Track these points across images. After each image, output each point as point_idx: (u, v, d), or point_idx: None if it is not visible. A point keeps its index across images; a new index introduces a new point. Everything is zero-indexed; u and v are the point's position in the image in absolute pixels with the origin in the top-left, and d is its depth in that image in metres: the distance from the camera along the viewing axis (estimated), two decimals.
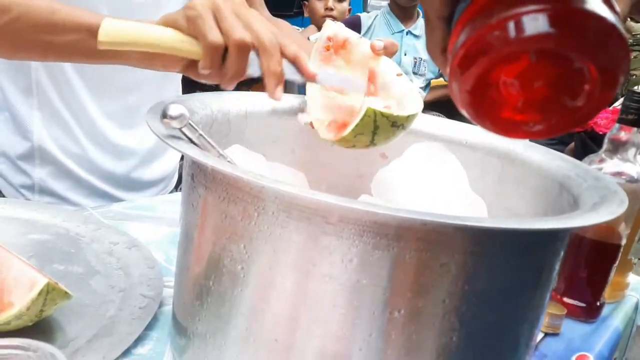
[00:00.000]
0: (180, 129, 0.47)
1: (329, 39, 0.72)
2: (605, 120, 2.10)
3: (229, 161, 0.54)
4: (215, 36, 0.58)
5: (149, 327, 0.62)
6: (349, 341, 0.45)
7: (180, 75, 1.10)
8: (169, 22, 0.60)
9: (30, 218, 0.81)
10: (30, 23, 0.68)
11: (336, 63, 0.73)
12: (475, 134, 0.77)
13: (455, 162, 0.71)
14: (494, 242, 0.44)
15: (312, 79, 0.64)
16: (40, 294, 0.53)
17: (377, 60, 0.71)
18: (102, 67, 0.93)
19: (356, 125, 0.60)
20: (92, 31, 0.63)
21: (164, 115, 0.46)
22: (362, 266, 0.43)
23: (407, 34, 2.69)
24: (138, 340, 0.60)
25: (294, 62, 0.63)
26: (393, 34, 2.65)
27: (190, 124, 0.47)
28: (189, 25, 0.59)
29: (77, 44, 0.67)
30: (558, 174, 0.63)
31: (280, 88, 0.62)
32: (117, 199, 1.04)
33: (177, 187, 1.20)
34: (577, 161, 0.66)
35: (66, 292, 0.56)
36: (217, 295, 0.50)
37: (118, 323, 0.61)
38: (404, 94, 0.70)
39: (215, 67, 0.61)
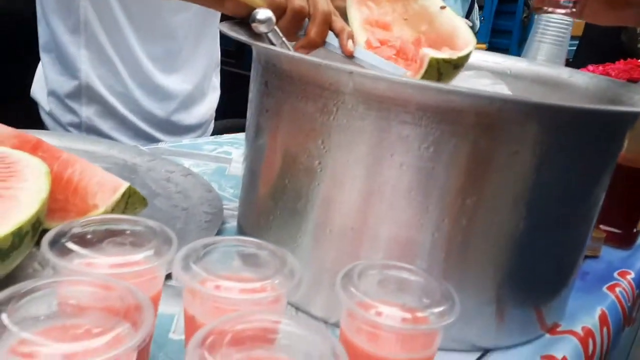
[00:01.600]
0: (266, 34, 0.50)
1: None
2: None
3: None
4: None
5: None
6: (423, 227, 0.48)
7: (217, 24, 1.12)
8: None
9: (87, 149, 0.85)
10: None
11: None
12: (518, 63, 0.80)
13: (504, 88, 0.73)
14: (566, 128, 0.46)
15: (349, 55, 0.65)
16: (122, 196, 0.56)
17: None
18: (147, 8, 0.95)
19: (422, 77, 0.62)
20: None
21: (253, 20, 0.49)
22: (438, 153, 0.46)
23: None
24: None
25: (338, 35, 0.65)
26: None
27: (275, 29, 0.49)
28: None
29: None
30: (608, 93, 0.65)
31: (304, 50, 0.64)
32: (159, 142, 1.08)
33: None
34: (625, 81, 0.68)
35: (144, 198, 0.59)
36: (293, 192, 0.53)
37: (187, 234, 0.64)
38: (454, 27, 0.71)
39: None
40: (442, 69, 0.63)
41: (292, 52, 0.47)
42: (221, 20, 1.06)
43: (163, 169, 0.82)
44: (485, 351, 0.53)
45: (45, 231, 0.46)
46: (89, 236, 0.40)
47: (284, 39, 0.52)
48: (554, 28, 1.09)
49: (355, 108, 0.47)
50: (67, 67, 0.98)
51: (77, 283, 0.34)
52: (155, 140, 1.08)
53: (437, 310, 0.38)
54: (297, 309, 0.54)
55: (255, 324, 0.34)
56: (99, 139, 0.91)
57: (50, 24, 0.97)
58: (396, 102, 0.45)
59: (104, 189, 0.57)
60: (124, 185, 0.57)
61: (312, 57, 0.46)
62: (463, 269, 0.50)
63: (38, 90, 1.05)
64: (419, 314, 0.37)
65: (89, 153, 0.84)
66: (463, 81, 0.77)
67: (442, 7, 0.73)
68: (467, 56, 0.66)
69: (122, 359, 0.30)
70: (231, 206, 0.76)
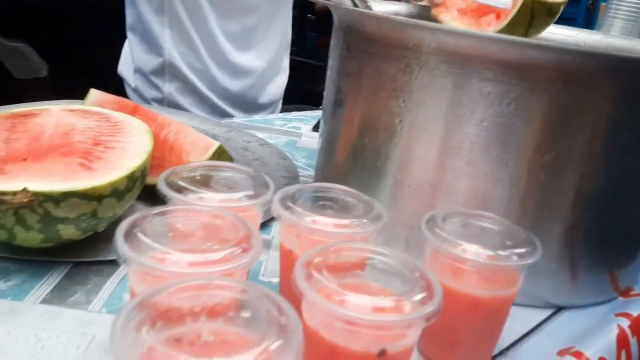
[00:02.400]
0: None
1: None
2: None
3: None
4: None
5: None
6: (500, 182, 0.50)
7: (291, 2, 1.17)
8: None
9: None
10: None
11: None
12: (592, 36, 0.79)
13: None
14: None
15: None
16: (213, 154, 0.61)
17: None
18: None
19: (513, 16, 0.61)
20: None
21: None
22: (518, 110, 0.47)
23: None
24: None
25: None
26: None
27: None
28: None
29: None
30: None
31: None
32: (232, 117, 1.13)
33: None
34: None
35: (231, 157, 0.64)
36: (372, 151, 0.56)
37: None
38: None
39: None
40: (536, 11, 0.60)
41: (379, 14, 0.50)
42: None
43: (240, 139, 0.87)
44: (559, 308, 0.55)
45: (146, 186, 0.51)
46: (197, 177, 0.44)
47: (368, 3, 0.55)
48: (627, 3, 1.06)
49: (437, 66, 0.49)
50: (152, 45, 1.05)
51: (193, 212, 0.39)
52: (229, 116, 1.13)
53: (519, 251, 0.40)
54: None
55: (350, 252, 0.37)
56: (180, 111, 0.97)
57: (137, 5, 1.04)
58: (478, 59, 0.47)
59: (197, 147, 0.62)
60: (215, 144, 0.61)
61: (397, 17, 0.48)
62: (539, 225, 0.51)
63: (124, 67, 1.12)
64: (502, 253, 0.40)
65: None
66: None
67: None
68: (561, 4, 0.62)
69: (236, 273, 0.34)
70: (305, 174, 0.80)
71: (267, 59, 1.14)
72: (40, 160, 0.47)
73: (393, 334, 0.32)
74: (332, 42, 0.63)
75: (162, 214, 0.37)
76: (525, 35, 0.64)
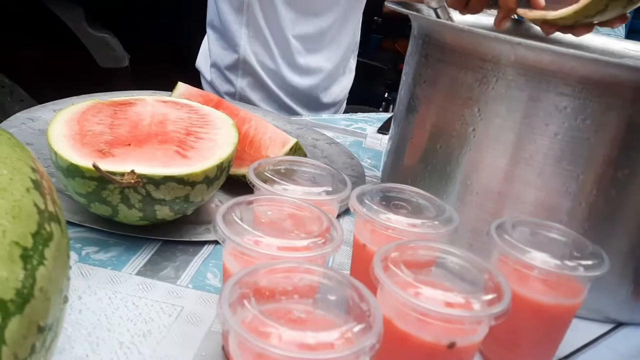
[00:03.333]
0: (435, 10, 0.55)
1: None
2: None
3: None
4: None
5: None
6: (570, 195, 0.51)
7: (362, 6, 1.19)
8: None
9: None
10: None
11: None
12: None
13: None
14: None
15: (541, 7, 0.67)
16: (290, 149, 0.65)
17: None
18: None
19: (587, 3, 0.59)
20: None
21: None
22: (594, 125, 0.49)
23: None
24: None
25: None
26: None
27: (444, 6, 0.54)
28: None
29: None
30: None
31: (505, 21, 0.68)
32: (299, 115, 1.17)
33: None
34: None
35: (305, 153, 0.67)
36: (443, 156, 0.58)
37: None
38: None
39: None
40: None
41: (460, 25, 0.52)
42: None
43: (310, 137, 0.91)
44: (619, 324, 0.55)
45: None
46: (282, 171, 0.48)
47: (450, 15, 0.57)
48: None
49: (514, 79, 0.51)
50: (229, 42, 1.10)
51: (280, 202, 0.42)
52: (295, 112, 1.18)
53: (586, 263, 0.42)
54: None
55: (423, 250, 0.39)
56: (253, 107, 1.02)
57: (217, 3, 1.10)
58: (556, 74, 0.49)
59: (275, 142, 0.66)
60: (292, 141, 0.65)
61: (478, 29, 0.50)
62: (605, 240, 0.52)
63: (202, 61, 1.19)
64: (569, 263, 0.41)
65: None
66: None
67: None
68: None
69: (318, 260, 0.37)
70: (370, 174, 0.83)
71: (335, 60, 1.18)
72: (142, 145, 0.53)
73: (463, 328, 0.34)
74: (409, 49, 0.65)
75: (254, 202, 0.41)
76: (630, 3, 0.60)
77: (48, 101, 0.82)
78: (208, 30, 1.16)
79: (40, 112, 0.78)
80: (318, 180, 0.49)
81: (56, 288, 0.29)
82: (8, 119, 0.73)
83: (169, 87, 0.94)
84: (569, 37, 0.70)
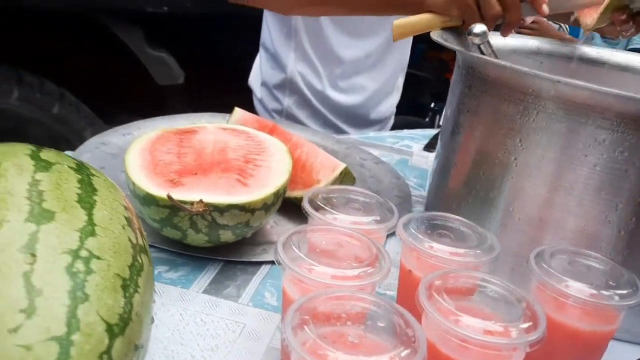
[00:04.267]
0: (479, 45, 0.58)
1: None
2: None
3: None
4: (476, 20, 0.70)
5: None
6: (610, 224, 0.53)
7: None
8: (442, 9, 0.74)
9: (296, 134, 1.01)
10: None
11: None
12: None
13: None
14: None
15: (543, 14, 0.71)
16: (340, 174, 0.69)
17: None
18: (352, 19, 1.09)
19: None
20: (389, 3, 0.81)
21: (469, 33, 0.58)
22: (632, 157, 0.51)
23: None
24: None
25: (532, 4, 0.71)
26: None
27: (488, 41, 0.58)
28: (460, 12, 0.72)
29: (373, 6, 0.84)
30: None
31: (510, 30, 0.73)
32: (344, 132, 1.22)
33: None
34: None
35: (354, 177, 0.72)
36: (486, 183, 0.61)
37: None
38: None
39: None
40: None
41: (503, 62, 0.55)
42: None
43: (357, 156, 0.95)
44: None
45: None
46: (334, 200, 0.52)
47: (493, 49, 0.60)
48: None
49: (554, 112, 0.54)
50: (278, 63, 1.17)
51: (332, 231, 0.47)
52: (340, 130, 1.22)
53: (620, 292, 0.44)
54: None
55: (465, 278, 0.43)
56: (305, 127, 1.07)
57: (270, 28, 1.16)
58: (595, 108, 0.51)
59: (325, 167, 0.70)
60: (341, 166, 0.69)
61: (520, 67, 0.53)
62: None
63: (254, 80, 1.26)
64: (604, 292, 0.44)
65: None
66: None
67: None
68: None
69: (367, 288, 0.42)
70: (416, 194, 0.86)
71: (381, 81, 1.22)
72: (207, 174, 0.58)
73: (500, 354, 0.38)
74: (454, 77, 0.69)
75: (309, 232, 0.46)
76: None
77: (110, 116, 0.89)
78: (261, 50, 1.23)
79: (111, 137, 0.85)
80: (367, 209, 0.53)
81: (147, 311, 0.35)
82: (83, 144, 0.81)
83: (221, 103, 1.01)
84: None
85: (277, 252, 0.42)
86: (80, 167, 0.38)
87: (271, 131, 0.77)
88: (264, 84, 1.22)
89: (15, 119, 1.58)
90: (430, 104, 2.68)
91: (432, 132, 1.25)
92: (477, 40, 0.59)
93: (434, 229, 0.50)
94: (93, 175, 0.38)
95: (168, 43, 1.69)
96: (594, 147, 0.52)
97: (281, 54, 1.17)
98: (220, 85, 1.58)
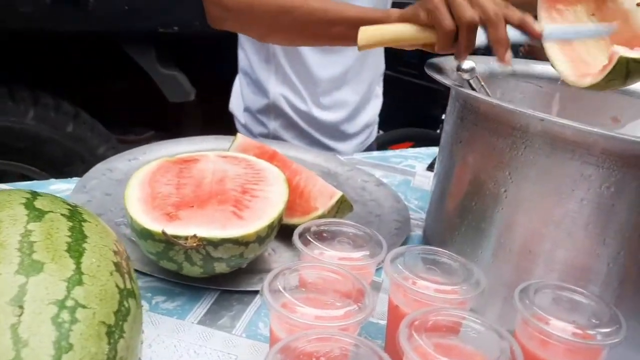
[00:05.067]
0: (468, 81, 0.59)
1: None
2: None
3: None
4: (448, 24, 0.66)
5: (402, 244, 0.77)
6: (599, 257, 0.54)
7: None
8: (409, 17, 0.72)
9: (300, 157, 1.02)
10: (307, 21, 0.86)
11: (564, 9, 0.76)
12: None
13: None
14: None
15: (538, 37, 0.67)
16: (337, 202, 0.71)
17: None
18: None
19: (609, 73, 0.63)
20: (351, 23, 0.80)
21: (458, 68, 0.59)
22: (619, 193, 0.51)
23: None
24: None
25: (520, 27, 0.67)
26: None
27: (477, 77, 0.59)
28: (428, 16, 0.68)
29: (341, 34, 0.84)
30: None
31: (509, 53, 0.68)
32: (331, 148, 1.23)
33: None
34: None
35: (351, 205, 0.73)
36: (478, 213, 0.62)
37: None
38: None
39: (448, 47, 0.69)
40: (631, 68, 0.63)
41: (490, 98, 0.56)
42: None
43: (359, 179, 0.96)
44: None
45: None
46: (324, 234, 0.54)
47: (483, 83, 0.61)
48: None
49: (541, 147, 0.54)
50: (260, 88, 1.19)
51: (319, 268, 0.48)
52: (326, 147, 1.23)
53: (604, 330, 0.44)
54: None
55: (448, 317, 0.44)
56: (309, 149, 1.08)
57: (247, 53, 1.18)
58: (581, 145, 0.52)
59: (323, 195, 0.72)
60: (338, 194, 0.71)
61: (507, 104, 0.54)
62: (636, 298, 0.54)
63: (235, 105, 1.27)
64: (587, 331, 0.44)
65: (301, 160, 1.01)
66: None
67: (639, 4, 0.71)
68: None
69: (350, 328, 0.43)
70: (416, 217, 0.87)
71: (361, 92, 1.23)
72: (203, 207, 0.60)
73: None
74: (448, 108, 0.70)
75: (297, 269, 0.47)
76: (625, 84, 0.65)
77: (126, 135, 0.92)
78: (240, 75, 1.24)
79: (117, 162, 0.87)
80: (357, 242, 0.54)
81: (133, 354, 0.36)
82: (90, 171, 0.83)
83: (231, 119, 1.03)
84: None
85: (263, 293, 0.43)
86: (73, 214, 0.40)
87: (271, 158, 0.79)
88: (247, 109, 1.23)
89: (31, 138, 1.63)
90: (442, 115, 2.68)
91: (436, 150, 1.25)
92: (466, 76, 0.60)
93: (421, 264, 0.51)
94: (85, 221, 0.40)
95: (179, 61, 1.73)
96: (581, 182, 0.53)
97: (262, 78, 1.17)
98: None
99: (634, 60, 0.63)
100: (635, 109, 0.83)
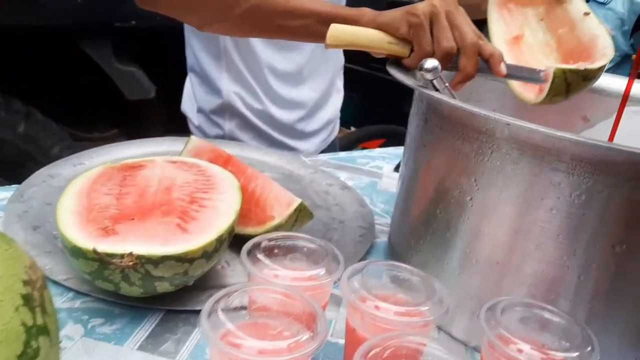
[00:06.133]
0: (431, 81, 0.55)
1: None
2: None
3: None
4: (428, 47, 0.65)
5: (367, 252, 0.73)
6: (569, 269, 0.50)
7: None
8: (387, 27, 0.67)
9: (261, 159, 0.98)
10: (268, 10, 0.79)
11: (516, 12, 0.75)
12: None
13: None
14: None
15: (501, 76, 0.66)
16: (295, 210, 0.66)
17: (562, 1, 0.71)
18: None
19: (549, 90, 0.63)
20: (320, 18, 0.74)
21: (420, 68, 0.55)
22: (590, 202, 0.48)
23: (587, 1, 2.46)
24: None
25: (487, 61, 0.66)
26: None
27: (440, 77, 0.55)
28: (409, 31, 0.66)
29: (307, 28, 0.78)
30: None
31: (462, 85, 0.66)
32: (291, 148, 1.17)
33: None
34: None
35: (311, 213, 0.68)
36: (443, 222, 0.58)
37: (344, 246, 0.72)
38: (593, 36, 0.69)
39: (416, 65, 0.66)
40: (570, 80, 0.63)
41: (454, 101, 0.52)
42: None
43: (324, 182, 0.92)
44: None
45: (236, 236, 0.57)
46: (275, 250, 0.49)
47: (447, 84, 0.57)
48: None
49: (509, 152, 0.51)
50: (212, 87, 1.11)
51: (267, 290, 0.43)
52: (287, 146, 1.17)
53: (575, 354, 0.41)
54: (440, 329, 0.59)
55: (407, 344, 0.40)
56: (271, 150, 1.03)
57: (195, 50, 1.11)
58: (550, 151, 0.48)
59: (280, 203, 0.67)
60: (297, 201, 0.66)
61: (471, 107, 0.50)
62: (608, 312, 0.51)
63: (188, 106, 1.19)
64: (557, 355, 0.41)
65: (263, 163, 0.97)
66: (626, 117, 0.75)
67: (586, 14, 0.71)
68: (599, 69, 0.64)
69: (300, 359, 0.38)
70: (381, 222, 0.83)
71: (321, 89, 1.17)
72: (145, 219, 0.55)
73: None
74: (412, 109, 0.66)
75: (242, 292, 0.42)
76: (568, 97, 0.65)
77: (90, 133, 0.85)
78: (190, 75, 1.17)
79: (61, 168, 0.81)
80: (312, 258, 0.50)
81: None
82: (30, 178, 0.77)
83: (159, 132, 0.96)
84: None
85: (200, 324, 0.38)
86: None
87: (226, 162, 0.73)
88: (200, 110, 1.15)
89: None
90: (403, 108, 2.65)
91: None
92: (428, 76, 0.55)
93: (381, 281, 0.47)
94: None
95: (139, 58, 1.66)
96: (550, 190, 0.49)
97: (213, 77, 1.10)
98: None
99: (571, 71, 0.62)
100: (605, 107, 0.81)
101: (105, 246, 0.49)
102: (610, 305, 0.51)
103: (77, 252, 0.50)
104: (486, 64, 0.65)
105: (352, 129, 2.99)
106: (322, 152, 1.25)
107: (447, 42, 0.63)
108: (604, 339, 0.51)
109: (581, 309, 0.51)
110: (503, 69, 0.65)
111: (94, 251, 0.47)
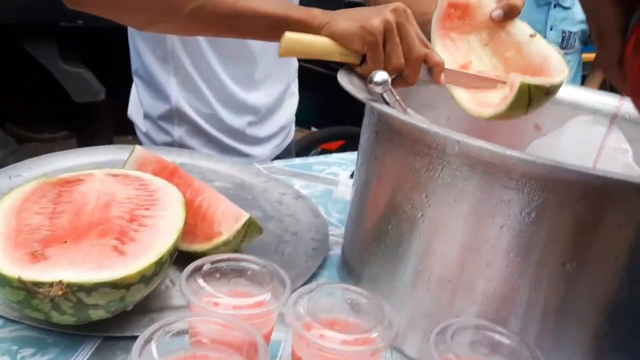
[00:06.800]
0: (381, 94, 0.54)
1: (450, 5, 0.74)
2: None
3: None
4: (381, 62, 0.65)
5: (320, 265, 0.71)
6: (520, 287, 0.50)
7: None
8: (341, 38, 0.66)
9: (212, 168, 0.94)
10: (215, 11, 0.75)
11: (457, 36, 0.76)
12: None
13: (620, 136, 0.71)
14: None
15: (440, 84, 0.68)
16: (243, 226, 0.63)
17: (504, 25, 0.72)
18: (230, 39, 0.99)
19: (512, 101, 0.63)
20: (269, 20, 0.72)
21: (370, 81, 0.53)
22: (540, 219, 0.47)
23: (554, 6, 2.52)
24: (312, 277, 0.69)
25: (430, 69, 0.67)
26: (539, 6, 2.50)
27: (390, 89, 0.53)
28: (364, 47, 0.65)
29: (256, 29, 0.75)
30: None
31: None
32: (244, 154, 1.13)
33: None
34: None
35: (260, 227, 0.66)
36: (395, 238, 0.56)
37: (296, 260, 0.70)
38: (545, 56, 0.70)
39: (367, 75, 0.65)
40: (533, 94, 0.64)
41: (403, 117, 0.51)
42: None
43: (276, 191, 0.89)
44: None
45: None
46: (217, 275, 0.47)
47: (397, 97, 0.56)
48: None
49: (459, 169, 0.50)
50: (159, 92, 1.06)
51: (206, 321, 0.41)
52: (240, 152, 1.13)
53: None
54: (392, 347, 0.58)
55: None
56: (222, 158, 1.00)
57: (140, 53, 1.05)
58: (500, 168, 0.47)
59: (228, 218, 0.64)
60: (245, 216, 0.64)
61: (421, 123, 0.49)
62: (559, 330, 0.51)
63: (134, 112, 1.14)
64: None
65: (213, 171, 0.93)
66: (577, 126, 0.76)
67: (532, 35, 0.72)
68: (560, 84, 0.66)
69: None
70: (336, 232, 0.81)
71: (275, 94, 1.14)
72: (79, 241, 0.51)
73: None
74: (365, 120, 0.64)
75: (180, 323, 0.40)
76: (527, 112, 0.66)
77: (41, 134, 0.80)
78: (135, 79, 1.11)
79: None
80: (257, 281, 0.47)
81: None
82: None
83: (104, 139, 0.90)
84: None
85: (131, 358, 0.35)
86: None
87: (171, 174, 0.70)
88: (147, 116, 1.10)
89: None
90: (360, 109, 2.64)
91: None
92: (378, 89, 0.54)
93: (328, 305, 0.45)
94: None
95: (87, 59, 1.59)
96: (501, 207, 0.48)
97: (160, 81, 1.05)
98: None
99: (536, 86, 0.63)
100: (557, 115, 0.81)
101: (32, 274, 0.45)
102: (561, 322, 0.50)
103: (2, 280, 0.46)
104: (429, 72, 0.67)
105: (313, 129, 2.97)
106: (277, 157, 1.22)
107: (397, 59, 0.65)
108: (555, 357, 0.51)
109: (532, 327, 0.51)
110: (442, 78, 0.68)
111: (19, 280, 0.44)
